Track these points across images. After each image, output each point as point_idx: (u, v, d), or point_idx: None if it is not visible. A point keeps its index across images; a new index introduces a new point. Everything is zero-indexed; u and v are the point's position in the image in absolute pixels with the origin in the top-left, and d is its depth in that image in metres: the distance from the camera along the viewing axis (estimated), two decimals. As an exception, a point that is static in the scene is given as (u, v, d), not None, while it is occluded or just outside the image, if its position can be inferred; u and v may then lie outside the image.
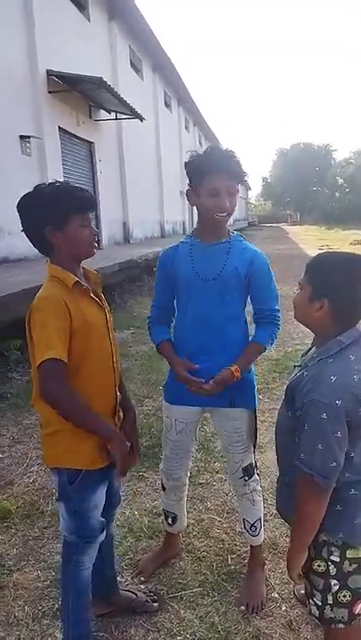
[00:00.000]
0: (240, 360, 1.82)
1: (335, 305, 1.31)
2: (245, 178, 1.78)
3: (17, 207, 1.49)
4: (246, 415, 1.93)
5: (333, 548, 1.35)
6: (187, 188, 1.84)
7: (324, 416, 1.21)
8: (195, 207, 1.82)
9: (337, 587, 1.35)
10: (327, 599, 1.37)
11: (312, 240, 23.45)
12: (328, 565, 1.36)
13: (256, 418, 1.98)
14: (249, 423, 1.94)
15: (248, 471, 1.97)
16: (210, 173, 1.70)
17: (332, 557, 1.35)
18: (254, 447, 2.00)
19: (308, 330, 1.48)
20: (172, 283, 1.90)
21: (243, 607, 1.91)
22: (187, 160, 1.78)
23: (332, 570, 1.35)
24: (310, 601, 1.42)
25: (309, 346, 1.50)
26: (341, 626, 1.37)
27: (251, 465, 1.98)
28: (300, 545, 1.35)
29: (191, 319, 1.86)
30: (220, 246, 1.83)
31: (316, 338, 1.42)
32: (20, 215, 1.50)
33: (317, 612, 1.40)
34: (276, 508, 1.59)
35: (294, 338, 5.62)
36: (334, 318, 1.33)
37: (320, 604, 1.38)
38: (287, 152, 61.63)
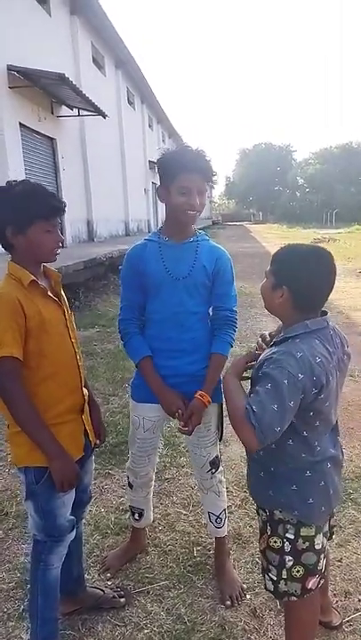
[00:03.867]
0: (206, 383, 1.85)
1: (294, 293, 1.38)
2: (214, 178, 1.82)
3: None
4: (214, 409, 1.97)
5: (289, 526, 1.43)
6: (157, 184, 1.86)
7: (286, 382, 1.27)
8: (163, 205, 1.84)
9: (291, 562, 1.44)
10: (282, 574, 1.45)
11: (274, 238, 23.87)
12: (283, 542, 1.44)
13: (223, 411, 2.02)
14: (217, 417, 1.98)
15: (215, 464, 2.02)
16: (182, 172, 1.72)
17: (287, 535, 1.43)
18: (220, 440, 2.04)
19: (270, 326, 1.54)
20: (142, 281, 1.88)
21: (228, 602, 1.93)
22: (159, 156, 1.79)
23: (287, 547, 1.43)
24: (266, 576, 1.50)
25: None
26: (294, 598, 1.46)
27: (217, 457, 2.03)
28: (226, 386, 1.45)
29: (161, 318, 1.87)
30: (189, 245, 1.86)
31: (283, 326, 1.48)
32: None
33: (272, 587, 1.49)
34: (248, 487, 1.62)
35: (257, 334, 5.70)
36: (295, 305, 1.40)
37: (275, 578, 1.47)
38: (249, 152, 62.43)
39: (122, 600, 1.93)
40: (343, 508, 2.49)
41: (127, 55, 17.90)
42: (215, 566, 2.11)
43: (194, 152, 1.74)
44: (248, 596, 1.98)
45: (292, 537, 1.43)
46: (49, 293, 1.56)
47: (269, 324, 6.06)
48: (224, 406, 1.97)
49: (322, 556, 1.47)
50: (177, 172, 1.72)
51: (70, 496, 1.60)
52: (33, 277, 1.49)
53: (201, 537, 2.32)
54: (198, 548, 2.25)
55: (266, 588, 1.53)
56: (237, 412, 1.32)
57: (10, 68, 9.18)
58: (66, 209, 1.57)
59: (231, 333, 1.91)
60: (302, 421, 1.35)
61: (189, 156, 1.73)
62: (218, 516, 2.07)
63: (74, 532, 1.66)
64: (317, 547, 1.45)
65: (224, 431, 2.05)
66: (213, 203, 74.42)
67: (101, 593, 1.93)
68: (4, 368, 1.40)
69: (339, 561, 2.15)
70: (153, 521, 2.30)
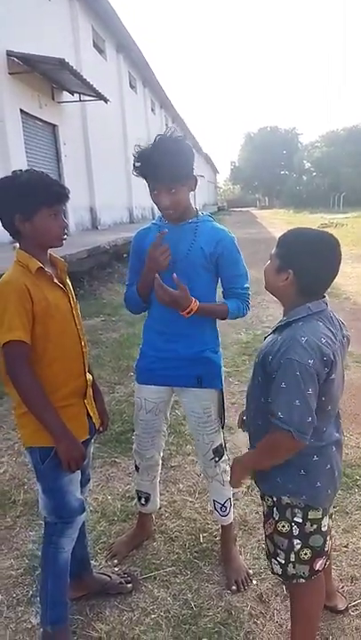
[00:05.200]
0: (203, 304, 1.80)
1: (299, 277, 1.38)
2: (186, 177, 1.75)
3: None
4: (214, 396, 1.97)
5: (297, 510, 1.44)
6: None
7: (298, 374, 1.28)
8: None
9: (299, 546, 1.45)
10: (290, 557, 1.46)
11: (281, 224, 23.66)
12: (292, 526, 1.45)
13: (223, 398, 2.02)
14: (217, 403, 1.98)
15: (218, 452, 2.01)
16: (147, 176, 1.76)
17: (295, 519, 1.44)
18: (222, 427, 2.04)
19: (277, 313, 1.53)
20: (143, 263, 1.90)
21: (234, 588, 1.94)
22: (133, 153, 1.77)
23: (295, 530, 1.44)
24: (274, 560, 1.51)
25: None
26: (302, 581, 1.48)
27: (221, 445, 2.02)
28: (252, 465, 1.50)
29: None
30: (187, 226, 1.86)
31: (285, 309, 1.48)
32: None
33: (280, 570, 1.50)
34: (252, 476, 1.62)
35: (263, 321, 5.68)
36: (299, 289, 1.40)
37: (283, 562, 1.48)
38: (254, 136, 61.51)
39: (129, 586, 1.95)
40: (350, 495, 2.49)
41: (128, 38, 17.61)
42: (221, 553, 2.12)
43: (159, 155, 1.69)
44: (254, 582, 1.99)
45: (301, 520, 1.44)
46: (55, 280, 1.60)
47: (276, 311, 6.03)
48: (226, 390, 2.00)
49: (328, 537, 1.50)
50: (144, 177, 1.77)
51: (77, 474, 1.64)
52: (40, 264, 1.54)
53: (207, 524, 2.34)
54: (204, 535, 2.26)
55: (273, 571, 1.54)
56: (270, 440, 1.37)
57: (9, 54, 9.07)
58: (70, 195, 1.60)
59: (242, 306, 1.91)
60: (316, 408, 1.34)
61: (153, 160, 1.70)
62: (223, 505, 2.08)
63: (84, 515, 1.70)
64: (324, 528, 1.47)
65: (225, 420, 2.04)
66: (219, 188, 73.80)
67: (108, 579, 1.95)
68: (14, 351, 1.46)
69: (345, 547, 2.15)
70: (159, 508, 2.31)
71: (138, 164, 1.75)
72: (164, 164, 1.69)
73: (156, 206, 1.82)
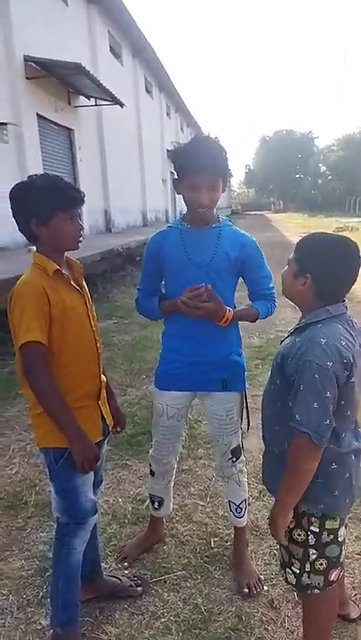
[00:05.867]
0: (236, 310, 1.85)
1: (318, 281, 1.38)
2: (229, 173, 1.80)
3: (9, 195, 1.55)
4: (237, 398, 1.97)
5: (313, 519, 1.41)
6: (173, 176, 1.86)
7: (317, 376, 1.26)
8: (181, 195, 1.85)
9: (315, 555, 1.42)
10: (305, 567, 1.43)
11: (295, 228, 23.55)
12: (308, 535, 1.42)
13: (246, 401, 2.02)
14: (239, 405, 1.98)
15: (236, 452, 2.02)
16: (192, 170, 1.73)
17: (311, 528, 1.41)
18: (248, 429, 2.03)
19: (290, 317, 1.51)
20: (160, 268, 1.92)
21: (245, 591, 1.92)
22: (171, 149, 1.80)
23: (312, 540, 1.41)
24: (288, 570, 1.48)
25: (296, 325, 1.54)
26: (317, 591, 1.45)
27: (239, 446, 2.02)
28: (288, 501, 1.37)
29: None
30: (211, 231, 1.86)
31: (303, 314, 1.47)
32: (10, 203, 1.55)
33: (294, 580, 1.47)
34: (264, 482, 1.62)
35: (277, 325, 5.65)
36: (317, 294, 1.39)
37: (298, 571, 1.45)
38: (270, 139, 61.33)
39: (139, 589, 1.94)
40: (363, 501, 2.45)
41: (144, 43, 17.72)
42: (233, 556, 2.11)
43: (206, 148, 1.72)
44: (265, 588, 1.97)
45: (317, 530, 1.41)
46: (72, 283, 1.62)
47: (289, 315, 6.00)
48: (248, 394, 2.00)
49: (343, 547, 1.47)
50: (186, 171, 1.74)
51: (90, 475, 1.64)
52: (57, 267, 1.56)
53: (218, 528, 2.32)
54: (215, 539, 2.24)
55: (287, 581, 1.51)
56: (290, 453, 1.33)
57: (27, 59, 9.17)
58: (85, 199, 1.61)
59: (270, 305, 1.93)
60: (335, 411, 1.32)
61: (201, 152, 1.71)
62: (238, 506, 2.07)
63: (96, 516, 1.70)
64: (340, 539, 1.44)
65: (250, 423, 2.03)
66: (233, 192, 73.69)
67: (118, 581, 1.95)
68: (31, 353, 1.47)
69: (358, 554, 2.12)
70: (170, 511, 2.30)
71: (179, 158, 1.75)
72: (207, 158, 1.70)
73: (190, 204, 1.79)
